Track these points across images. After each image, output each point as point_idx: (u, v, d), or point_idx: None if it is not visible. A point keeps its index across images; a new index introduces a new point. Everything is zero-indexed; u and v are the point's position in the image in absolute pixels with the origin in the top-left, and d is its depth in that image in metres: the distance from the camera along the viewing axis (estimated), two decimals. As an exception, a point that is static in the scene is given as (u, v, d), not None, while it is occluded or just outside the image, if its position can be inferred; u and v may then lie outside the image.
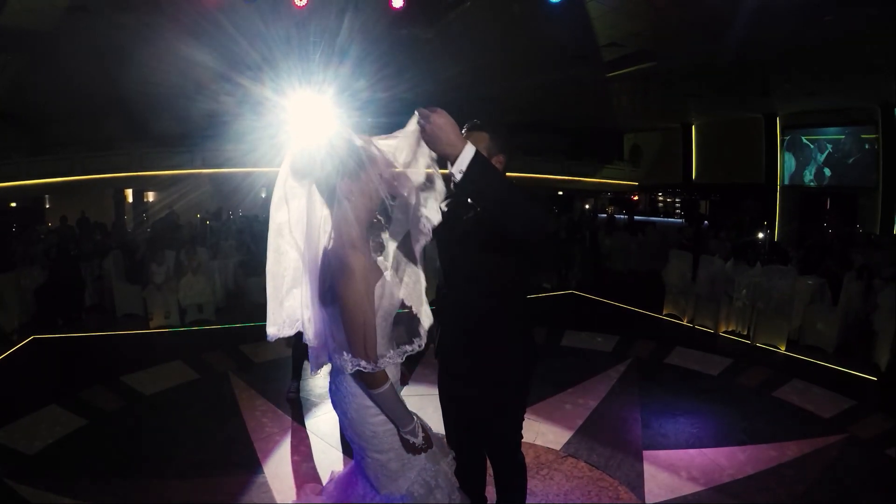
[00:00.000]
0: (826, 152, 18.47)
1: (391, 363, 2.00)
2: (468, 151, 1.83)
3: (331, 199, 1.98)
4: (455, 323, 2.51)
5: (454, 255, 2.47)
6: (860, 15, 9.28)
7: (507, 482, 2.68)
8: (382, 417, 2.06)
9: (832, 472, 4.03)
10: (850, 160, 17.89)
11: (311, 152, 1.97)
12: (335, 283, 1.90)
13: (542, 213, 2.02)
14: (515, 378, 2.50)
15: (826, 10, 9.22)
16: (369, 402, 2.04)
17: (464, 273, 2.45)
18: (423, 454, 2.13)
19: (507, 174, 2.42)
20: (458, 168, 1.82)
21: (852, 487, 3.85)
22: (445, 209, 2.45)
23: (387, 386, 1.97)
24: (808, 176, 18.96)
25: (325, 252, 1.98)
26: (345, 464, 4.01)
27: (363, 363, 1.89)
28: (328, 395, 2.18)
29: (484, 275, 2.40)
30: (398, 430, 2.07)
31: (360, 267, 1.89)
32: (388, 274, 2.07)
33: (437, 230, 2.24)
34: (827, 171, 18.50)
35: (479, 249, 2.36)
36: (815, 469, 4.05)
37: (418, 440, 2.08)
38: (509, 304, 2.43)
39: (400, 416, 2.04)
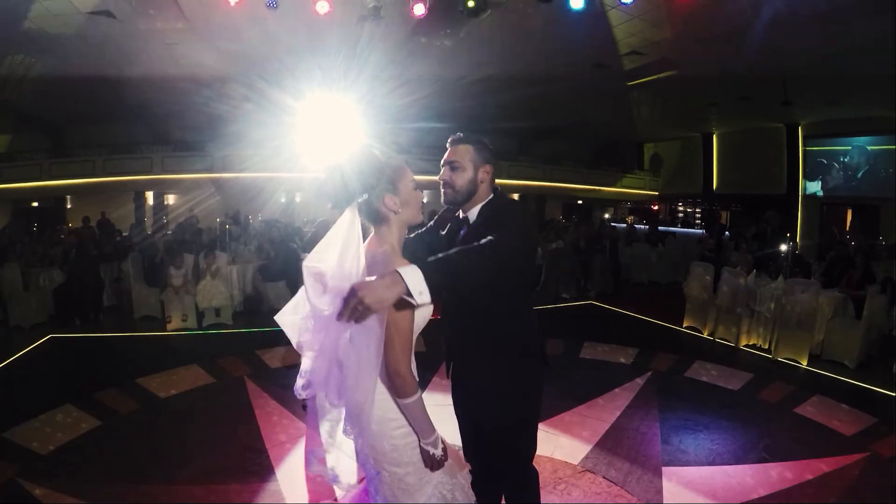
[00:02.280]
0: (848, 163, 18.25)
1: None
2: (410, 275, 1.74)
3: (377, 219, 2.07)
4: (456, 343, 2.56)
5: None
6: (883, 22, 9.15)
7: (519, 496, 2.64)
8: (404, 430, 2.04)
9: (854, 491, 3.92)
10: (873, 170, 17.66)
11: (346, 180, 2.00)
12: None
13: (504, 250, 2.01)
14: (519, 392, 2.47)
15: (849, 19, 9.11)
16: (392, 415, 2.03)
17: (458, 302, 2.48)
18: (441, 470, 2.10)
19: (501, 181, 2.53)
20: (417, 291, 1.74)
21: (876, 507, 3.75)
22: (446, 236, 2.59)
23: (416, 397, 1.98)
24: (831, 187, 18.75)
25: (370, 262, 1.97)
26: (359, 474, 3.97)
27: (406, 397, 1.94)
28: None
29: (478, 304, 2.40)
30: (419, 441, 2.05)
31: None
32: None
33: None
34: (849, 182, 18.28)
35: None
36: (836, 488, 3.95)
37: (438, 451, 2.06)
38: (503, 323, 2.42)
39: (423, 427, 2.03)
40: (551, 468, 4.11)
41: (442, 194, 2.47)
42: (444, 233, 2.63)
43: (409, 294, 1.73)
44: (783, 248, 8.67)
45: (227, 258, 9.26)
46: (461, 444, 2.68)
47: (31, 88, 13.79)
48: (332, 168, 2.01)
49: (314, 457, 2.22)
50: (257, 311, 9.15)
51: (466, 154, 2.43)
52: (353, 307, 1.69)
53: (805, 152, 19.20)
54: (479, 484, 2.65)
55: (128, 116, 17.77)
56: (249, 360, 6.58)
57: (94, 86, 14.20)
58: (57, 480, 3.85)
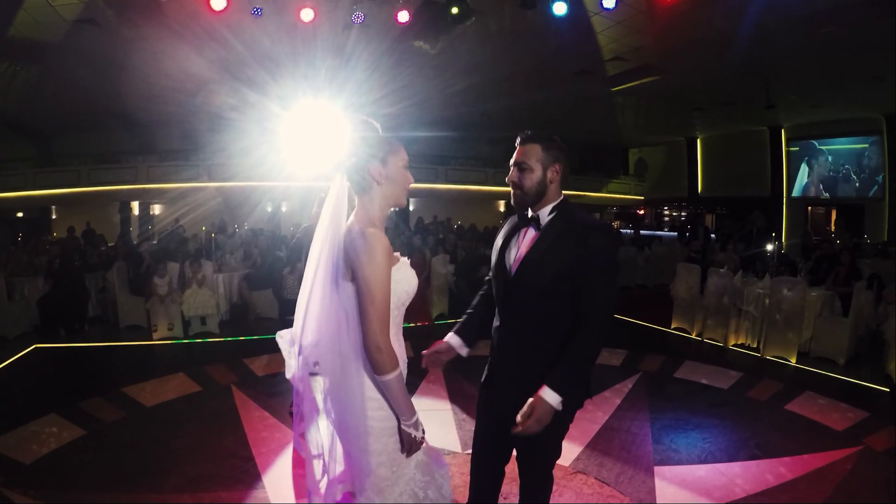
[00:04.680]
0: (831, 164, 18.42)
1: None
2: (552, 400, 2.15)
3: (360, 186, 2.07)
4: (508, 358, 2.43)
5: (509, 293, 2.39)
6: (863, 26, 9.27)
7: (535, 500, 2.58)
8: (384, 413, 2.01)
9: (847, 485, 3.92)
10: (856, 171, 17.84)
11: (344, 141, 2.04)
12: (357, 262, 1.90)
13: (605, 327, 2.25)
14: (569, 410, 2.38)
15: (828, 22, 9.21)
16: (374, 394, 2.00)
17: (518, 311, 2.37)
18: (413, 466, 2.06)
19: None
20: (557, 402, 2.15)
21: (868, 500, 3.75)
22: (500, 244, 2.48)
23: (396, 373, 1.95)
24: (814, 188, 18.92)
25: (347, 233, 1.98)
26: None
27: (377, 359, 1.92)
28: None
29: (540, 315, 2.33)
30: (399, 423, 2.01)
31: (382, 246, 1.92)
32: (404, 259, 2.09)
33: (496, 256, 2.43)
34: (832, 183, 18.46)
35: (536, 291, 2.30)
36: (830, 482, 3.94)
37: (418, 434, 2.02)
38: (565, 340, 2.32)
39: (404, 407, 1.99)
40: (543, 469, 4.07)
41: (511, 196, 2.40)
42: (507, 228, 2.51)
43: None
44: (769, 247, 8.72)
45: (212, 266, 9.19)
46: (471, 450, 2.65)
47: (16, 97, 13.67)
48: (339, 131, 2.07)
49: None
50: (244, 319, 9.08)
51: (534, 154, 2.34)
52: (527, 427, 2.14)
53: (789, 154, 19.39)
54: (482, 491, 2.63)
55: (113, 126, 17.69)
56: (236, 369, 6.49)
57: (78, 95, 14.14)
58: (41, 490, 3.77)
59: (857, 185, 17.97)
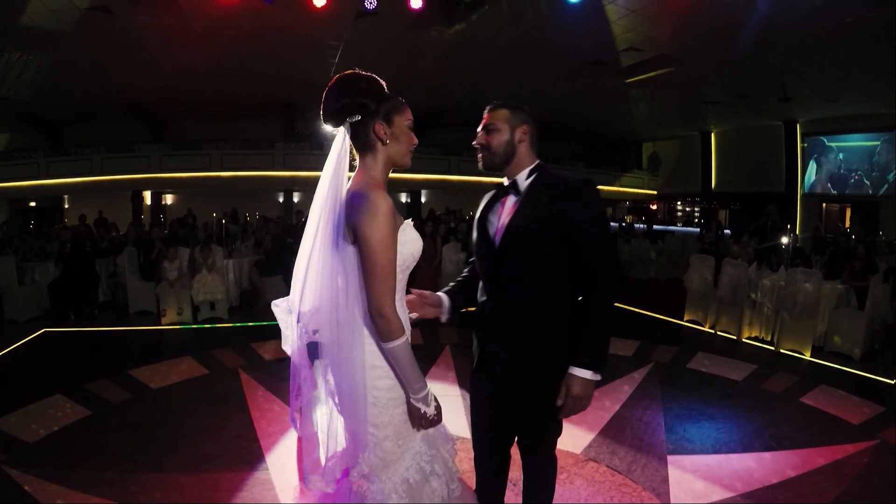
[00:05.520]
0: (842, 161, 18.21)
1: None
2: (584, 375, 2.15)
3: (363, 144, 1.97)
4: (498, 333, 2.33)
5: (494, 266, 2.31)
6: (881, 18, 9.10)
7: (540, 482, 2.51)
8: (389, 382, 1.90)
9: (865, 478, 3.82)
10: (872, 167, 17.62)
11: (346, 96, 1.92)
12: (360, 222, 1.80)
13: (613, 282, 2.23)
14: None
15: (847, 14, 9.06)
16: (379, 362, 1.89)
17: (506, 282, 2.29)
18: (420, 439, 1.97)
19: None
20: (599, 375, 2.17)
21: (886, 494, 3.64)
22: (479, 217, 2.42)
23: (402, 340, 1.84)
24: (821, 186, 18.73)
25: (349, 193, 1.89)
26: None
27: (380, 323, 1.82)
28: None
29: (528, 284, 2.24)
30: (408, 398, 1.91)
31: (386, 205, 1.82)
32: (408, 221, 1.99)
33: (477, 230, 2.37)
34: (842, 182, 18.26)
35: (523, 257, 2.23)
36: (846, 475, 3.84)
37: (430, 410, 1.91)
38: (559, 309, 2.25)
39: (412, 379, 1.88)
40: (553, 456, 4.00)
41: (479, 160, 2.37)
42: (485, 201, 2.45)
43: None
44: (784, 240, 8.59)
45: (223, 252, 9.16)
46: (472, 438, 2.59)
47: (28, 86, 13.72)
48: (339, 79, 1.96)
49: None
50: (253, 306, 9.06)
51: (501, 117, 2.32)
52: (571, 410, 2.19)
53: (803, 150, 19.18)
54: (490, 480, 2.59)
55: (125, 115, 17.72)
56: (244, 353, 6.47)
57: (91, 84, 14.15)
58: (43, 468, 3.74)
59: (870, 189, 17.79)
